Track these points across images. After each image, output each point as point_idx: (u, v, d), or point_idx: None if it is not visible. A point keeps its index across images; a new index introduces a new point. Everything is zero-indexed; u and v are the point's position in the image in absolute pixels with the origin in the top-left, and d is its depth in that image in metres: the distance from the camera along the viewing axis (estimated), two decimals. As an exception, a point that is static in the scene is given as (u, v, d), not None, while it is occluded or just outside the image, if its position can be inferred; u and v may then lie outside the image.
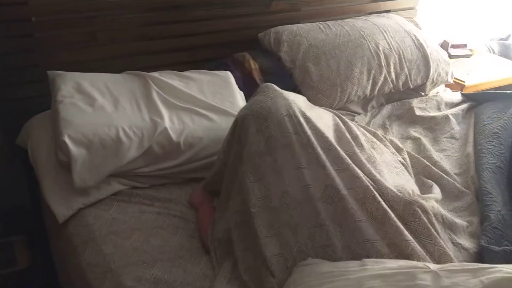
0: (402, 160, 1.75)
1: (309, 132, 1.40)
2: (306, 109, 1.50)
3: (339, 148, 1.41)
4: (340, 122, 1.65)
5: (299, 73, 2.15)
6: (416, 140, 2.03)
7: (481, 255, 1.38)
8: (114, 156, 1.56)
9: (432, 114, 2.20)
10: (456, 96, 2.37)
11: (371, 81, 2.16)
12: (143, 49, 2.14)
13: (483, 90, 2.66)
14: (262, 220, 1.31)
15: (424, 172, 1.78)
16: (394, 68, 2.21)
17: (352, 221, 1.29)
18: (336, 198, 1.31)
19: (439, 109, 2.28)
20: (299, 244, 1.28)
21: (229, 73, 2.01)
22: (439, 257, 1.28)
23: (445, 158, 1.92)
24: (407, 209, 1.34)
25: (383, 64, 2.18)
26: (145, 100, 1.74)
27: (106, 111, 1.65)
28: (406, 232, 1.28)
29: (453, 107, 2.29)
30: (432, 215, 1.36)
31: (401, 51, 2.24)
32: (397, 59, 2.22)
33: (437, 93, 2.43)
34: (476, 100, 2.29)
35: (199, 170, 1.70)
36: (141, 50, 2.13)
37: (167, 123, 1.66)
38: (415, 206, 1.34)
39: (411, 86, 2.29)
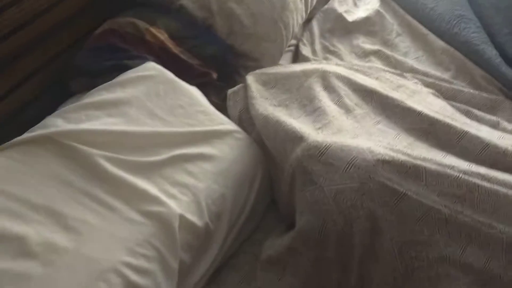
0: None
1: None
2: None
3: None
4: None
5: (222, 22, 1.48)
6: (378, 54, 1.67)
7: None
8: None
9: (362, 14, 1.83)
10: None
11: (303, -1, 1.64)
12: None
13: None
14: None
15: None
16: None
17: None
18: None
19: (355, 4, 1.93)
20: None
21: (153, 64, 1.24)
22: None
23: (422, 64, 1.63)
24: None
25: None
26: (100, 185, 0.92)
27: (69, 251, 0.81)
28: None
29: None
30: None
31: None
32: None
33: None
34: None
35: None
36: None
37: (172, 204, 0.93)
38: None
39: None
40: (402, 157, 0.93)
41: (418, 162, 0.92)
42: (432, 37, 1.70)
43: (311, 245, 0.91)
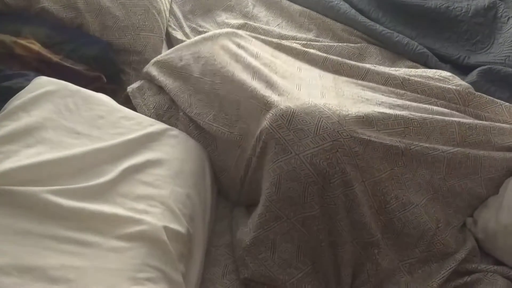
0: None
1: None
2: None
3: None
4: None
5: (92, 18, 1.35)
6: (246, 27, 1.70)
7: None
8: None
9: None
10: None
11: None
12: None
13: None
14: None
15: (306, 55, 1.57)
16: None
17: None
18: None
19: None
20: None
21: (46, 78, 1.07)
22: None
23: (285, 29, 1.73)
24: None
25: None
26: (62, 224, 0.78)
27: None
28: None
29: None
30: None
31: None
32: None
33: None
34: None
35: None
36: None
37: (150, 219, 0.84)
38: None
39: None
40: (353, 109, 1.00)
41: (365, 109, 1.01)
42: (286, 3, 1.80)
43: (298, 208, 0.94)
